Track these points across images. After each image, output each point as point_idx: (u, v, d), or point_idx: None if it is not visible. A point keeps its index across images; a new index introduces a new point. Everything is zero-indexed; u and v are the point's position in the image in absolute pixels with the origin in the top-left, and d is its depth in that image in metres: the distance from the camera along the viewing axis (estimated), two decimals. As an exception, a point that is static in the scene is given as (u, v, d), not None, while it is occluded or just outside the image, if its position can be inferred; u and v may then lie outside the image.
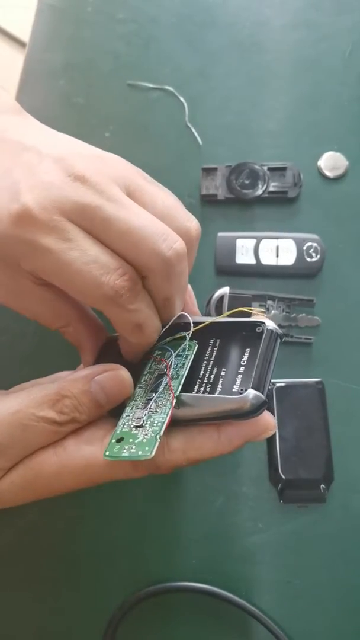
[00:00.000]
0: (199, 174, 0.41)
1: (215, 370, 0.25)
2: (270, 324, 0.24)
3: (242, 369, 0.24)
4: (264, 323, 0.24)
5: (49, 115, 0.41)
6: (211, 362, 0.25)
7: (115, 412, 0.25)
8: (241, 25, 0.46)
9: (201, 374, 0.25)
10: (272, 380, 0.36)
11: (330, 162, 0.41)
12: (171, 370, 0.25)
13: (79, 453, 0.24)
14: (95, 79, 0.45)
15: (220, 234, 0.39)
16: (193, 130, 0.42)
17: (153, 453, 0.22)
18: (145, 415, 0.24)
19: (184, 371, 0.25)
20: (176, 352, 0.26)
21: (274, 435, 0.35)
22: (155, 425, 0.23)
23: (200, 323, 0.26)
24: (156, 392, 0.25)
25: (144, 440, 0.23)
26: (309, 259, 0.38)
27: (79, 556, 0.35)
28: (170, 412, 0.23)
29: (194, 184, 0.41)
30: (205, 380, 0.25)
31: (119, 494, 0.35)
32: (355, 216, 0.40)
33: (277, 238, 0.39)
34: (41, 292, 0.25)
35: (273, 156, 0.41)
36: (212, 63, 0.45)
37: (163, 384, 0.25)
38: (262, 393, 0.23)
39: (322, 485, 0.34)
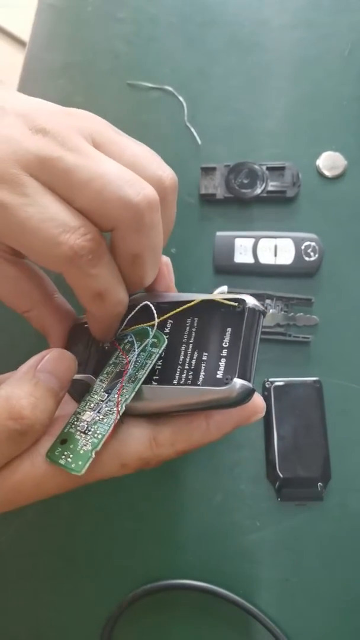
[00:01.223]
0: (198, 174, 0.41)
1: (196, 354, 0.23)
2: (251, 301, 0.22)
3: (224, 352, 0.22)
4: (244, 301, 0.22)
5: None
6: (190, 346, 0.23)
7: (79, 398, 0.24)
8: (241, 25, 0.46)
9: (181, 359, 0.23)
10: (271, 379, 0.36)
11: (329, 161, 0.41)
12: (130, 370, 0.23)
13: None
14: (95, 78, 0.45)
15: (218, 233, 0.39)
16: (192, 129, 0.43)
17: (83, 471, 0.21)
18: (91, 419, 0.22)
19: (144, 373, 0.23)
20: (142, 346, 0.23)
21: (272, 433, 0.35)
22: (96, 436, 0.22)
23: (176, 302, 0.24)
24: (110, 394, 0.23)
25: (81, 452, 0.22)
26: (307, 259, 0.38)
27: (76, 554, 0.35)
28: (113, 424, 0.22)
29: (193, 183, 0.41)
30: (187, 367, 0.23)
31: (117, 492, 0.35)
32: (353, 216, 0.40)
33: (275, 237, 0.39)
34: (4, 268, 0.24)
35: (272, 156, 0.41)
36: (212, 62, 0.45)
37: (118, 386, 0.23)
38: (248, 380, 0.21)
39: (319, 483, 0.34)
